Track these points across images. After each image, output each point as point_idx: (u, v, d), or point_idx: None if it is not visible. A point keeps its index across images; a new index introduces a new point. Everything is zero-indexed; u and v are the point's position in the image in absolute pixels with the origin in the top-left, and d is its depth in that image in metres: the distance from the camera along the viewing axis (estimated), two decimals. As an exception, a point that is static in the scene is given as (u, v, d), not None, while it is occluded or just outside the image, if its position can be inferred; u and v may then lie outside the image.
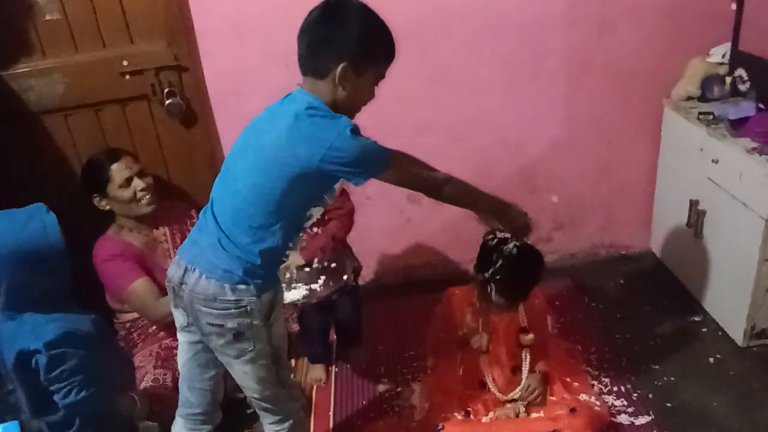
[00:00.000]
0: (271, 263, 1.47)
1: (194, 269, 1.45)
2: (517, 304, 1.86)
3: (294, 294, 1.91)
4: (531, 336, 1.90)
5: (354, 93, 1.40)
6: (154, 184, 2.15)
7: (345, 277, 1.96)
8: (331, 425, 2.09)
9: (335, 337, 2.36)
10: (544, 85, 2.46)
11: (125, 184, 2.04)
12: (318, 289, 1.92)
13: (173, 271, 1.51)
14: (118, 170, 2.04)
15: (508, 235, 1.76)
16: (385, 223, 2.65)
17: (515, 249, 1.75)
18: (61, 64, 2.16)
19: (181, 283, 1.47)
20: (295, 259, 1.89)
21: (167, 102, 2.23)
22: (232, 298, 1.43)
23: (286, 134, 1.35)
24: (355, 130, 1.37)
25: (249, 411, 2.13)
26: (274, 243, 1.43)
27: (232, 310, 1.44)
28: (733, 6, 2.30)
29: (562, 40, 2.39)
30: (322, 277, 1.93)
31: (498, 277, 1.77)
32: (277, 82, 2.31)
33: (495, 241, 1.79)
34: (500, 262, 1.76)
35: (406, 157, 1.53)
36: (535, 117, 2.52)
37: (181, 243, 2.07)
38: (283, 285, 1.91)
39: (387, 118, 2.42)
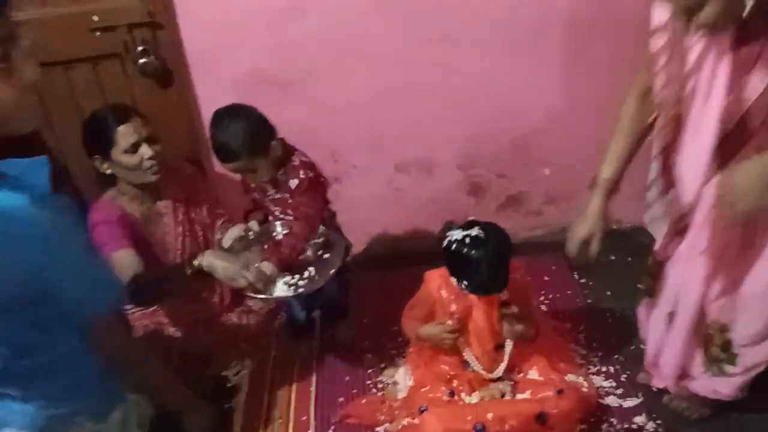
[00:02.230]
0: (78, 382, 1.08)
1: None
2: (496, 293, 1.78)
3: (278, 290, 1.81)
4: (514, 309, 1.81)
5: None
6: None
7: (332, 271, 1.86)
8: (313, 402, 2.04)
9: (320, 311, 2.30)
10: (544, 50, 2.34)
11: (131, 149, 1.81)
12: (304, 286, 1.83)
13: None
14: (124, 133, 1.80)
15: (460, 235, 1.69)
16: (373, 192, 2.56)
17: (481, 251, 1.67)
18: (27, 18, 1.99)
19: None
20: (270, 270, 1.75)
21: (141, 61, 2.10)
22: None
23: None
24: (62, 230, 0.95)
25: (229, 385, 2.09)
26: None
27: None
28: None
29: (565, 1, 2.26)
30: (311, 269, 1.86)
31: (471, 279, 1.70)
32: (258, 40, 2.23)
33: (455, 244, 1.69)
34: (469, 268, 1.68)
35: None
36: (533, 83, 2.40)
37: (183, 217, 1.98)
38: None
39: (380, 81, 2.32)
